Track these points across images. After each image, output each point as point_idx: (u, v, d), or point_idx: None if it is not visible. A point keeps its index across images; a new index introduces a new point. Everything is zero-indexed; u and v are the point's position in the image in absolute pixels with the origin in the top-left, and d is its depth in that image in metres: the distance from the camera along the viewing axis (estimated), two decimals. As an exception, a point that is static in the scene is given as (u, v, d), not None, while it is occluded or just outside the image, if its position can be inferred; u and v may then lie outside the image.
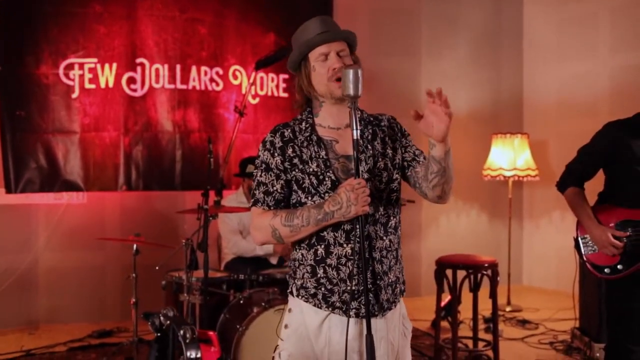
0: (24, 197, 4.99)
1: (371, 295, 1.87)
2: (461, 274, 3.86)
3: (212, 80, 5.38)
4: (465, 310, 4.52)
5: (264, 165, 1.91)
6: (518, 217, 6.66)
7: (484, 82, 6.54)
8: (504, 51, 6.68)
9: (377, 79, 6.00)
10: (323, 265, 1.90)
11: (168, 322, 3.01)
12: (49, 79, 4.94)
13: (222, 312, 3.69)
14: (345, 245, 1.87)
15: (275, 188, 1.91)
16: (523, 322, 5.20)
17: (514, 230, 6.43)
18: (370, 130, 1.97)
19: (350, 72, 1.79)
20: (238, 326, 3.50)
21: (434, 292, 4.00)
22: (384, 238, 1.91)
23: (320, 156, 1.90)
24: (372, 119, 2.02)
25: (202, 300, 3.57)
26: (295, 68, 1.99)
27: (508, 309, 5.64)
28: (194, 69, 5.30)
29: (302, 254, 1.95)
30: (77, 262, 5.19)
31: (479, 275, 3.86)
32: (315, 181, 1.89)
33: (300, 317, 1.94)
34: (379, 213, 1.90)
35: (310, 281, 1.92)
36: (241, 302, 3.69)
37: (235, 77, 5.46)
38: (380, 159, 1.93)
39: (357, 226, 1.83)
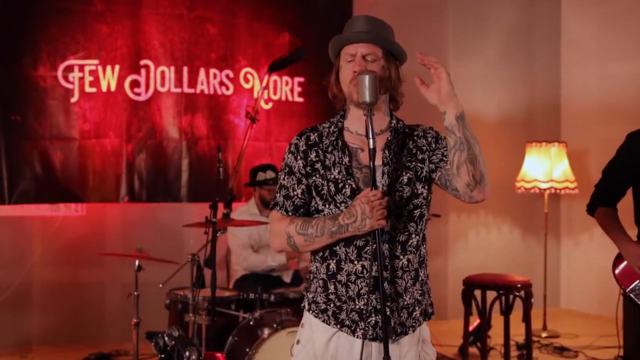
0: (18, 209, 5.04)
1: (379, 317, 1.90)
2: (491, 295, 3.86)
3: (221, 83, 5.41)
4: (496, 336, 4.49)
5: (287, 169, 2.00)
6: (555, 234, 6.62)
7: (517, 85, 6.52)
8: (538, 50, 6.66)
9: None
10: (334, 280, 1.97)
11: (173, 342, 3.04)
12: (46, 82, 5.00)
13: (230, 334, 3.71)
14: (356, 262, 1.93)
15: (295, 192, 2.00)
16: (561, 350, 5.17)
17: (551, 248, 6.38)
18: (400, 141, 2.00)
19: (366, 78, 1.85)
20: (247, 349, 3.52)
21: (462, 315, 3.99)
22: (401, 257, 1.94)
23: (344, 162, 1.96)
24: (406, 129, 2.05)
25: (209, 321, 3.59)
26: (333, 61, 2.07)
27: (544, 334, 5.61)
28: (202, 71, 5.35)
29: (316, 267, 2.03)
30: (75, 278, 5.22)
31: (511, 296, 3.85)
32: (333, 188, 1.94)
33: (310, 333, 2.01)
34: (397, 230, 1.93)
35: (321, 296, 1.99)
36: (251, 323, 3.70)
37: (247, 81, 5.49)
38: (404, 173, 1.96)
39: (371, 242, 1.87)
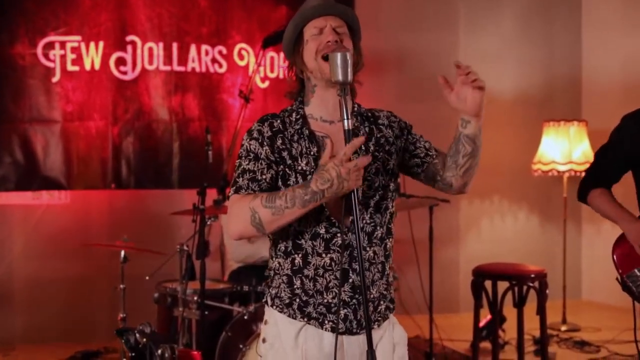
0: (-3, 197, 5.06)
1: (348, 310, 1.96)
2: (503, 286, 3.83)
3: (214, 60, 5.39)
4: (511, 329, 4.48)
5: (251, 155, 1.95)
6: (575, 220, 6.59)
7: (534, 61, 6.48)
8: (558, 23, 6.60)
9: (407, 59, 5.97)
10: (300, 275, 1.98)
11: (144, 339, 3.03)
12: (25, 60, 4.98)
13: (223, 330, 3.70)
14: (324, 256, 1.95)
15: (264, 177, 1.95)
16: (581, 344, 5.17)
17: (571, 236, 6.36)
18: (367, 128, 2.04)
19: (338, 55, 1.85)
20: (241, 345, 3.52)
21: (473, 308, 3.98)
22: (367, 249, 1.98)
23: (312, 153, 1.97)
24: (369, 114, 2.09)
25: (199, 316, 3.58)
26: (291, 50, 2.06)
27: (563, 328, 5.60)
28: (193, 48, 5.32)
29: (278, 263, 2.02)
30: (59, 271, 5.23)
31: (524, 287, 3.83)
32: (302, 180, 1.94)
33: (276, 330, 2.02)
34: (364, 221, 1.97)
35: (285, 291, 2.01)
36: (245, 317, 3.70)
37: (241, 57, 5.47)
38: (373, 162, 1.98)
39: (342, 232, 1.92)
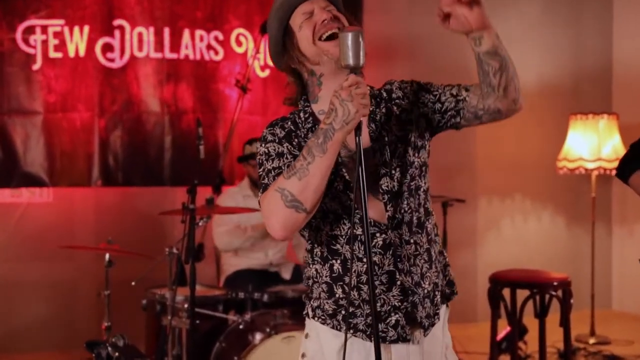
0: (-27, 195, 5.06)
1: (400, 315, 1.93)
2: (522, 294, 3.80)
3: (209, 47, 5.38)
4: (533, 341, 4.44)
5: (273, 154, 1.94)
6: (605, 221, 6.57)
7: (561, 48, 6.44)
8: (587, 6, 6.57)
9: (422, 44, 5.94)
10: (341, 284, 1.96)
11: (117, 354, 3.01)
12: (3, 46, 4.98)
13: (217, 340, 3.70)
14: (365, 260, 1.89)
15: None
16: (611, 358, 5.15)
17: (600, 239, 6.33)
18: (384, 109, 2.01)
19: (349, 35, 1.78)
20: (236, 358, 3.53)
21: (491, 318, 3.95)
22: (410, 242, 1.96)
23: None
24: (383, 94, 2.05)
25: (190, 325, 3.56)
26: (280, 49, 2.02)
27: (592, 340, 5.57)
28: (186, 33, 5.31)
29: (316, 270, 2.02)
30: (39, 275, 5.22)
31: (547, 296, 3.79)
32: None
33: (317, 343, 2.02)
34: (402, 211, 1.94)
35: (327, 303, 1.99)
36: (241, 327, 3.71)
37: (239, 44, 5.45)
38: (399, 144, 1.97)
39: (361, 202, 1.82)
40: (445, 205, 4.71)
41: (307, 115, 1.99)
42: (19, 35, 4.99)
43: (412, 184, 1.97)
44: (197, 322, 3.61)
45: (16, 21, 4.98)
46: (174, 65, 5.30)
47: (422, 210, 1.99)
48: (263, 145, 1.97)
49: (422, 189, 2.00)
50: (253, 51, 5.26)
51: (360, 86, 1.76)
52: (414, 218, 1.97)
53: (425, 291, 1.96)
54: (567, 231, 6.51)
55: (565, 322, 3.76)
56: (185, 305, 3.71)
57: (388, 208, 1.92)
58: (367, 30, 5.71)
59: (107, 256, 3.81)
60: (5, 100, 5.01)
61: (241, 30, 5.44)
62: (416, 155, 2.00)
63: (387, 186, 1.93)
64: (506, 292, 3.84)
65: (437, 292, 2.01)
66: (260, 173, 1.95)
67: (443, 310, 2.06)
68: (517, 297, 3.80)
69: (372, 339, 1.85)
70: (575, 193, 6.41)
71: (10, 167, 5.03)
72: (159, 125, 5.30)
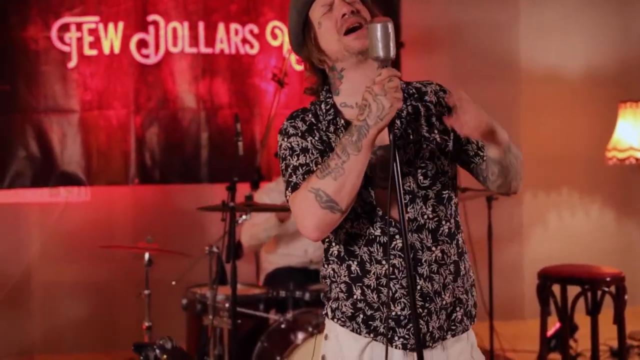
0: (12, 194, 5.14)
1: (422, 322, 1.92)
2: (574, 290, 3.77)
3: (244, 41, 5.40)
4: (584, 339, 4.41)
5: (297, 150, 1.92)
6: (658, 214, 6.47)
7: (606, 33, 6.35)
8: (635, -12, 6.46)
9: (461, 35, 5.92)
10: (360, 285, 1.94)
11: (165, 356, 3.04)
12: (38, 44, 5.04)
13: (258, 340, 3.73)
14: (384, 263, 1.91)
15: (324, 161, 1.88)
16: (666, 356, 5.08)
17: (652, 232, 6.25)
18: (411, 108, 1.98)
19: (378, 26, 1.78)
20: (278, 357, 3.56)
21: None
22: (434, 249, 1.93)
23: None
24: (412, 90, 2.02)
25: (231, 325, 3.60)
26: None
27: (645, 337, 5.49)
28: (221, 27, 5.34)
29: (332, 270, 1.99)
30: (79, 275, 5.31)
31: (599, 292, 3.76)
32: None
33: (337, 346, 2.00)
34: (425, 216, 1.93)
35: (346, 304, 1.97)
36: (282, 326, 3.73)
37: (275, 37, 5.47)
38: (424, 145, 1.95)
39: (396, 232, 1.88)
40: (490, 200, 4.68)
41: (328, 107, 1.97)
42: (54, 34, 5.05)
43: (443, 192, 1.96)
44: (239, 321, 3.62)
45: (51, 19, 5.04)
46: (209, 60, 5.33)
47: (453, 221, 1.98)
48: (285, 139, 1.95)
49: (453, 201, 1.99)
50: (289, 45, 5.26)
51: (393, 79, 1.75)
52: (445, 227, 1.95)
53: (444, 302, 1.94)
54: (617, 225, 6.43)
55: (619, 319, 3.72)
56: (227, 305, 3.74)
57: (409, 209, 1.90)
58: (405, 20, 5.75)
59: (146, 255, 3.87)
60: (41, 99, 5.08)
61: (276, 22, 5.45)
62: (450, 166, 1.99)
63: (410, 186, 1.91)
64: (556, 288, 3.81)
65: (458, 308, 1.98)
66: (285, 169, 1.94)
67: (466, 336, 2.01)
68: (568, 294, 3.77)
69: (393, 343, 1.90)
70: (626, 184, 6.32)
71: (48, 166, 5.11)
72: (194, 122, 5.34)
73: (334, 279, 1.98)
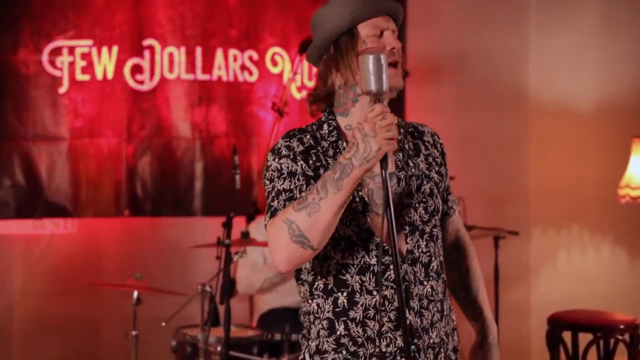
0: (-5, 225, 5.10)
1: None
2: (585, 338, 3.74)
3: (243, 67, 5.39)
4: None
5: (284, 173, 1.93)
6: (673, 255, 6.43)
7: (622, 63, 6.32)
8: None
9: (468, 63, 5.91)
10: (344, 319, 1.94)
11: None
12: (29, 68, 5.03)
13: (252, 385, 3.72)
14: (375, 293, 1.93)
15: (303, 194, 1.87)
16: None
17: (668, 275, 6.22)
18: (411, 144, 2.08)
19: (370, 57, 1.78)
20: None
21: (548, 361, 3.89)
22: (425, 283, 1.98)
23: None
24: (411, 128, 2.13)
25: (223, 369, 3.57)
26: (326, 47, 2.01)
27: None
28: (219, 52, 5.33)
29: (317, 305, 1.99)
30: (64, 311, 5.22)
31: (612, 340, 3.72)
32: None
33: None
34: (420, 250, 1.99)
35: (327, 341, 1.96)
36: (277, 371, 3.72)
37: (275, 64, 5.46)
38: (425, 181, 2.04)
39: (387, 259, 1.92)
40: (497, 239, 4.67)
41: (331, 129, 2.00)
42: (45, 57, 5.03)
43: (434, 230, 2.03)
44: (231, 365, 3.61)
45: (43, 42, 5.02)
46: (206, 87, 5.33)
47: (439, 260, 2.05)
48: (276, 159, 1.95)
49: (439, 241, 2.06)
50: (290, 73, 5.27)
51: (387, 117, 1.75)
52: (434, 264, 2.02)
53: (431, 341, 1.97)
54: (630, 266, 6.36)
55: (632, 370, 3.69)
56: (219, 348, 3.73)
57: (408, 240, 1.96)
58: (411, 47, 5.76)
59: (135, 294, 3.85)
60: (30, 125, 5.04)
61: (277, 49, 5.45)
62: (440, 204, 2.08)
63: (411, 218, 1.97)
64: (566, 335, 3.78)
65: (442, 349, 2.02)
66: (269, 190, 1.95)
67: None
68: (579, 341, 3.74)
69: None
70: (639, 224, 6.29)
71: (34, 196, 5.06)
72: (189, 151, 5.32)
73: (317, 315, 1.98)
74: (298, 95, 5.50)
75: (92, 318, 5.30)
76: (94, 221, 5.28)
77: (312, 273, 2.00)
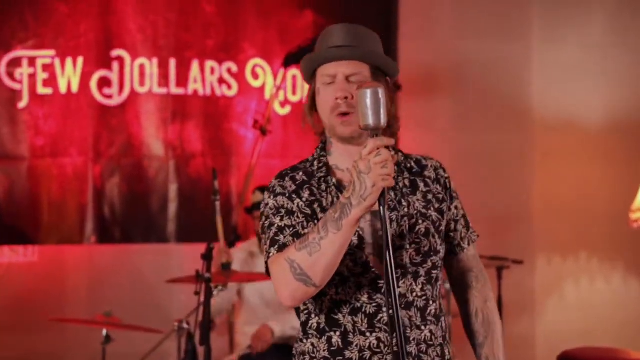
0: (-54, 254, 5.07)
1: None
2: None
3: (221, 81, 5.40)
4: None
5: (283, 211, 2.06)
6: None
7: (630, 77, 6.37)
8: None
9: (465, 75, 5.93)
10: (341, 359, 2.02)
11: None
12: (-17, 81, 5.02)
13: None
14: (369, 335, 2.01)
15: (307, 231, 2.00)
16: None
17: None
18: (408, 181, 2.13)
19: (368, 92, 1.86)
20: None
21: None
22: (423, 328, 2.05)
23: None
24: (411, 164, 2.17)
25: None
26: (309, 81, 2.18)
27: None
28: (195, 64, 5.34)
29: (312, 345, 2.07)
30: (23, 350, 5.14)
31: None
32: None
33: None
34: (415, 294, 2.05)
35: None
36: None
37: (256, 76, 5.46)
38: (420, 221, 2.08)
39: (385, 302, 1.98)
40: (501, 269, 4.65)
41: (321, 165, 2.11)
42: (3, 69, 5.04)
43: (433, 272, 2.09)
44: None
45: (1, 53, 5.03)
46: (181, 102, 5.33)
47: (438, 303, 2.11)
48: (272, 197, 2.08)
49: (439, 283, 2.12)
50: (273, 87, 5.24)
51: (381, 153, 1.83)
52: (431, 307, 2.08)
53: None
54: (642, 295, 6.40)
55: (650, 413, 3.68)
56: (197, 391, 3.66)
57: (400, 284, 2.01)
58: (404, 59, 5.76)
59: (104, 332, 3.80)
60: (-15, 143, 5.05)
61: (258, 60, 5.46)
62: (442, 245, 2.13)
63: (402, 261, 2.03)
64: (579, 375, 3.76)
65: None
66: (267, 227, 2.06)
67: None
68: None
69: None
70: (653, 250, 6.32)
71: (-10, 222, 5.05)
72: (162, 172, 5.32)
73: (313, 355, 2.07)
74: (281, 111, 5.48)
75: (55, 356, 5.24)
76: (57, 249, 5.26)
77: (305, 311, 2.10)
